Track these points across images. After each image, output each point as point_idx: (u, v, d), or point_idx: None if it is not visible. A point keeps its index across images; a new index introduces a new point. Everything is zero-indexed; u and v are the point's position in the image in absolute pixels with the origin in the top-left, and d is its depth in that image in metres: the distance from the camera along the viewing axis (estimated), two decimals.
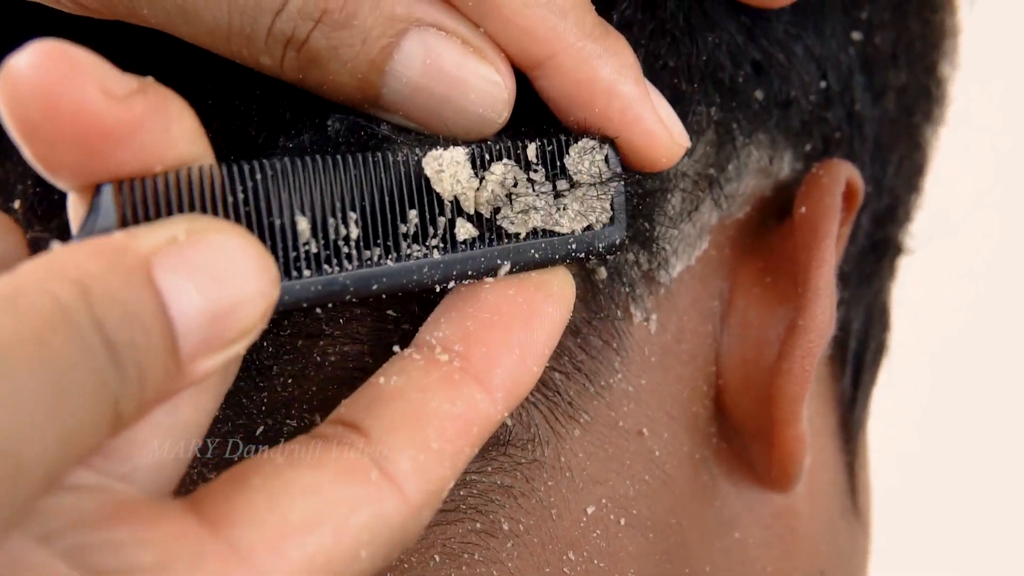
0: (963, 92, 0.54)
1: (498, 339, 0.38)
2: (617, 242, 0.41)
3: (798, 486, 0.46)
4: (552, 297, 0.39)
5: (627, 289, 0.43)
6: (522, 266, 0.39)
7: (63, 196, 0.43)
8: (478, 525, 0.42)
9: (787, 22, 0.45)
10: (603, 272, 0.43)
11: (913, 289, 0.56)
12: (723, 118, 0.44)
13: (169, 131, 0.34)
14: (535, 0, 0.38)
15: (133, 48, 0.42)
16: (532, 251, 0.40)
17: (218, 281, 0.34)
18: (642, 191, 0.43)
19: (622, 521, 0.43)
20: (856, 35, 0.48)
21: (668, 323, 0.44)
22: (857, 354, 0.51)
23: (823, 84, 0.47)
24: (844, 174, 0.46)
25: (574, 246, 0.40)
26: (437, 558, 0.41)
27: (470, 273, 0.39)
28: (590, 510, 0.43)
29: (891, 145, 0.51)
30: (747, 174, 0.45)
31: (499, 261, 0.39)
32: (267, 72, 0.39)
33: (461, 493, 0.42)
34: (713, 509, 0.46)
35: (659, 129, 0.40)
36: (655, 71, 0.43)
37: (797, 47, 0.46)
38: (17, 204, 0.44)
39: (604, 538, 0.43)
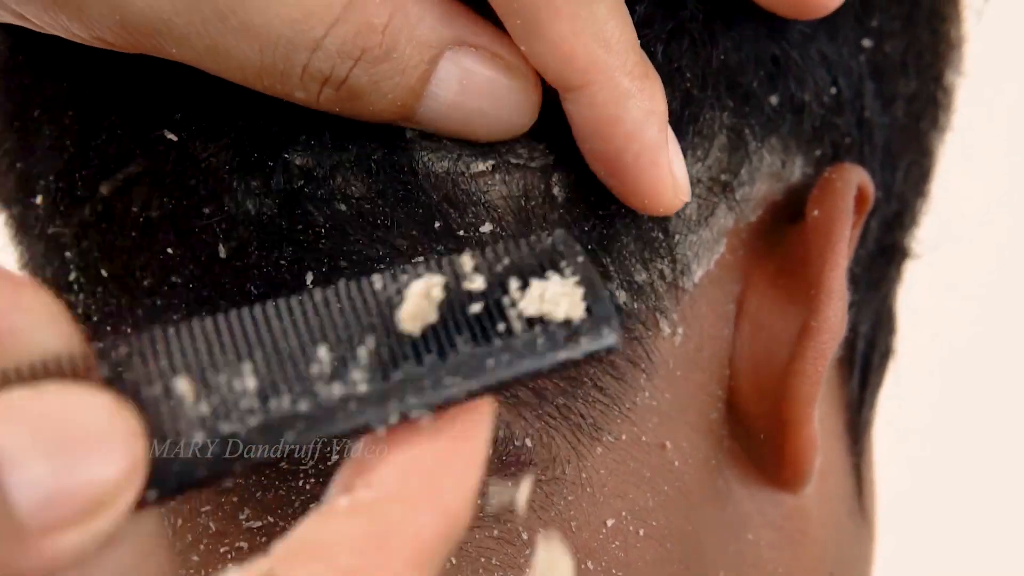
0: (969, 99, 0.55)
1: None
2: (607, 344, 0.34)
3: (808, 487, 0.47)
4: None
5: (653, 303, 0.43)
6: (476, 390, 0.33)
7: (86, 192, 0.43)
8: (496, 532, 0.42)
9: (801, 27, 0.46)
10: (617, 290, 0.43)
11: (920, 293, 0.57)
12: (736, 123, 0.45)
13: (32, 329, 0.30)
14: (583, 28, 0.39)
15: (156, 77, 0.42)
16: (484, 371, 0.33)
17: (60, 436, 0.29)
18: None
19: (641, 532, 0.44)
20: (867, 43, 0.48)
21: (691, 332, 0.45)
22: (865, 356, 0.52)
23: (834, 90, 0.47)
24: (856, 179, 0.46)
25: (545, 358, 0.33)
26: (454, 560, 0.42)
27: (412, 403, 0.33)
28: (610, 522, 0.43)
29: (900, 151, 0.51)
30: (760, 178, 0.46)
31: (444, 386, 0.33)
32: (299, 103, 0.39)
33: (478, 502, 0.42)
34: (726, 513, 0.46)
35: (667, 181, 0.41)
36: (670, 74, 0.43)
37: (811, 52, 0.46)
38: (39, 199, 0.44)
39: (623, 549, 0.43)
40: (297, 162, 0.41)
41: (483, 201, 0.41)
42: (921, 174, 0.53)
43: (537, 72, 0.40)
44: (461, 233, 0.41)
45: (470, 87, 0.39)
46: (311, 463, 0.42)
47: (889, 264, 0.53)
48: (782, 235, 0.47)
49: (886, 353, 0.54)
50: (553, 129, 0.42)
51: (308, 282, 0.41)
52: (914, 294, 0.55)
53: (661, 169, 0.40)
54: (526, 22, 0.39)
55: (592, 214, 0.43)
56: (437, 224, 0.41)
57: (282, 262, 0.42)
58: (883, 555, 0.56)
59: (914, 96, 0.52)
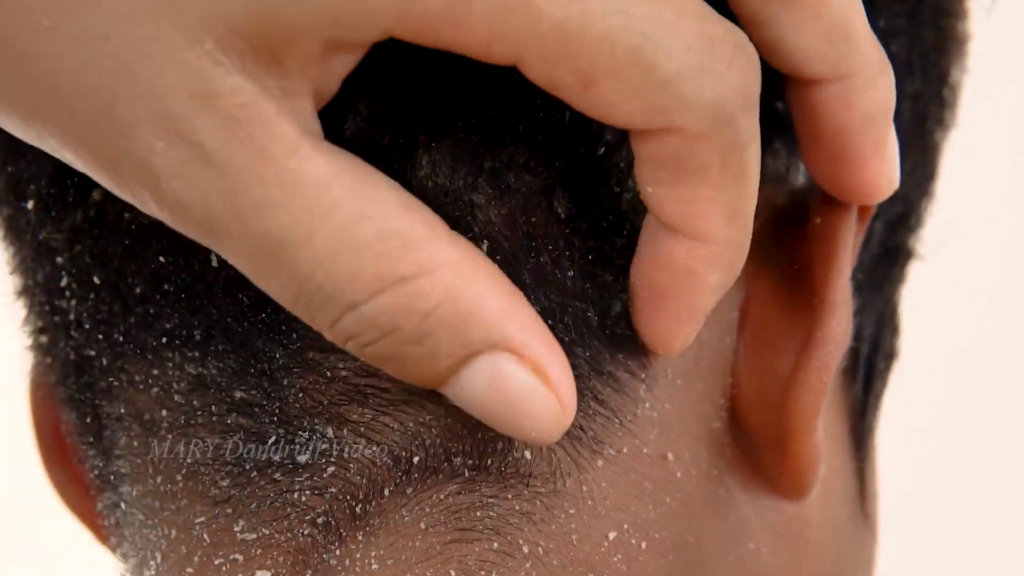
0: (974, 97, 0.54)
1: None
2: None
3: (811, 495, 0.46)
4: None
5: None
6: None
7: (77, 197, 0.43)
8: (496, 545, 0.42)
9: None
10: (619, 305, 0.42)
11: (923, 293, 0.56)
12: None
13: None
14: (859, 15, 0.38)
15: None
16: None
17: None
18: None
19: (643, 545, 0.43)
20: None
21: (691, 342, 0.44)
22: (868, 360, 0.51)
23: None
24: None
25: None
26: (453, 573, 0.41)
27: None
28: (611, 535, 0.43)
29: (905, 152, 0.50)
30: (763, 183, 0.45)
31: None
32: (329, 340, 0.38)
33: (478, 514, 0.41)
34: (728, 522, 0.45)
35: (887, 170, 0.41)
36: None
37: None
38: (31, 204, 0.44)
39: (625, 562, 0.43)
40: None
41: (480, 218, 0.41)
42: (926, 174, 0.53)
43: (574, 392, 0.38)
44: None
45: (498, 391, 0.38)
46: (306, 475, 0.41)
47: (893, 266, 0.52)
48: (785, 242, 0.46)
49: (890, 355, 0.53)
50: (554, 143, 0.41)
51: None
52: (917, 294, 0.55)
53: (885, 159, 0.41)
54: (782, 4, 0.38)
55: (594, 229, 0.42)
56: None
57: None
58: (888, 556, 0.55)
59: (919, 95, 0.51)
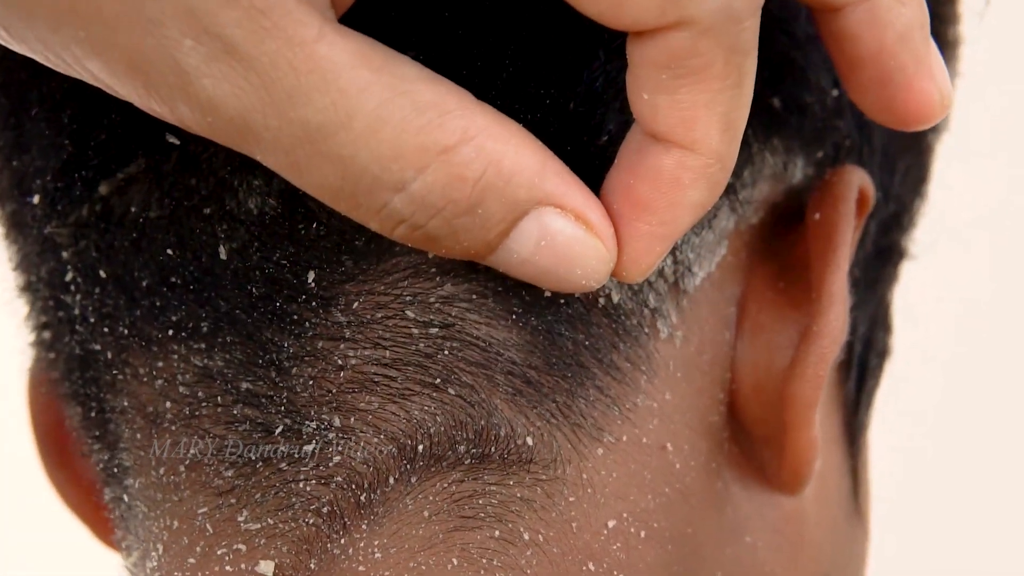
0: (965, 100, 0.55)
1: None
2: None
3: (807, 490, 0.47)
4: None
5: (653, 305, 0.43)
6: None
7: (83, 191, 0.43)
8: (497, 533, 0.42)
9: (804, 28, 0.46)
10: (617, 292, 0.43)
11: (915, 293, 0.57)
12: None
13: None
14: None
15: None
16: None
17: None
18: None
19: (642, 534, 0.43)
20: None
21: (691, 335, 0.44)
22: (862, 358, 0.52)
23: (836, 92, 0.47)
24: (857, 181, 0.46)
25: None
26: (455, 561, 0.42)
27: None
28: (611, 524, 0.43)
29: (899, 153, 0.51)
30: (762, 179, 0.46)
31: None
32: (372, 229, 0.38)
33: (480, 502, 0.42)
34: (726, 515, 0.46)
35: (936, 88, 0.40)
36: None
37: (813, 54, 0.46)
38: (36, 199, 0.44)
39: (624, 550, 0.43)
40: None
41: None
42: (919, 176, 0.53)
43: (614, 235, 0.39)
44: None
45: (547, 248, 0.38)
46: (312, 464, 0.42)
47: (886, 265, 0.53)
48: (783, 238, 0.47)
49: (883, 354, 0.54)
50: (557, 134, 0.41)
51: (310, 280, 0.41)
52: (909, 294, 0.55)
53: (932, 76, 0.40)
54: None
55: None
56: None
57: (284, 262, 0.41)
58: (881, 554, 0.56)
59: None
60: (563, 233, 0.38)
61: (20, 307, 0.48)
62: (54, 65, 0.37)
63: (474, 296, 0.42)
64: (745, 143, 0.45)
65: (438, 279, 0.41)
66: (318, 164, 0.37)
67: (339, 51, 0.36)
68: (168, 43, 0.36)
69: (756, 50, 0.38)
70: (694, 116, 0.38)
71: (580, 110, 0.41)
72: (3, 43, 0.37)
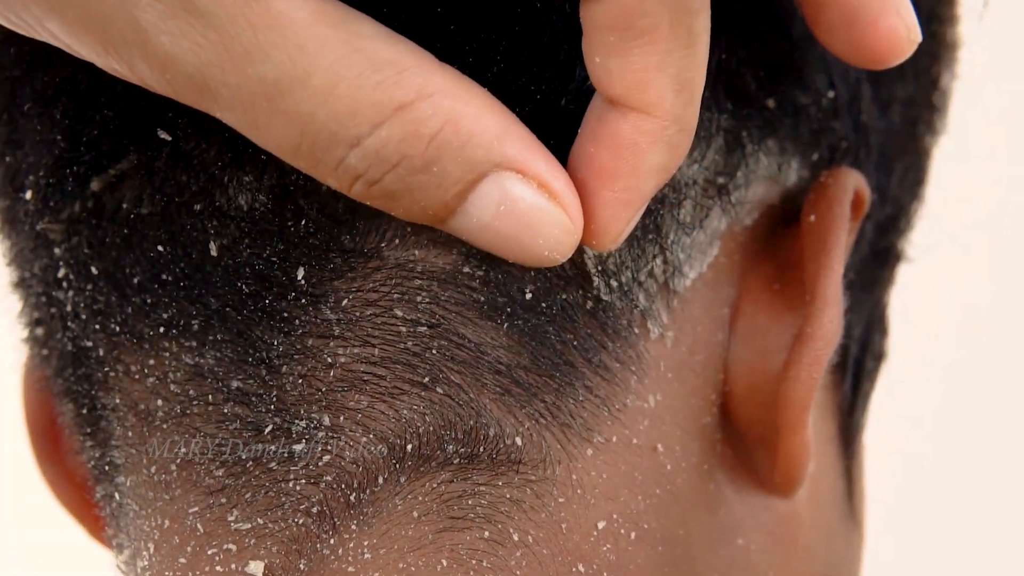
0: (963, 102, 0.55)
1: None
2: None
3: (800, 492, 0.46)
4: None
5: (642, 305, 0.43)
6: None
7: (75, 188, 0.43)
8: (486, 534, 0.42)
9: (800, 29, 0.46)
10: (605, 292, 0.43)
11: (910, 295, 0.57)
12: (733, 125, 0.45)
13: None
14: None
15: None
16: None
17: None
18: (652, 202, 0.43)
19: (632, 535, 0.43)
20: None
21: (683, 335, 0.44)
22: (857, 360, 0.52)
23: (832, 94, 0.47)
24: (852, 183, 0.46)
25: None
26: (445, 562, 0.42)
27: None
28: (601, 525, 0.43)
29: (895, 155, 0.51)
30: (756, 181, 0.46)
31: None
32: (334, 188, 0.38)
33: (470, 503, 0.42)
34: (718, 517, 0.46)
35: (902, 24, 0.40)
36: None
37: (809, 55, 0.46)
38: (29, 195, 0.44)
39: (614, 552, 0.43)
40: None
41: None
42: (916, 178, 0.53)
43: (580, 207, 0.39)
44: None
45: (507, 213, 0.38)
46: (301, 463, 0.42)
47: (883, 267, 0.53)
48: (777, 239, 0.47)
49: (879, 356, 0.54)
50: (551, 129, 0.41)
51: (299, 277, 0.41)
52: (906, 297, 0.55)
53: (899, 12, 0.40)
54: None
55: None
56: None
57: (273, 259, 0.41)
58: (876, 557, 0.56)
59: (910, 100, 0.51)
60: (523, 200, 0.38)
61: (14, 303, 0.48)
62: (15, 27, 0.38)
63: (462, 295, 0.42)
64: (739, 144, 0.45)
65: (426, 278, 0.41)
66: (276, 121, 0.37)
67: (297, 8, 0.36)
68: (126, 0, 0.36)
69: (708, 11, 0.38)
70: (646, 79, 0.38)
71: (571, 107, 0.41)
72: None
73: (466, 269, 0.42)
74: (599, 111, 0.39)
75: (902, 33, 0.40)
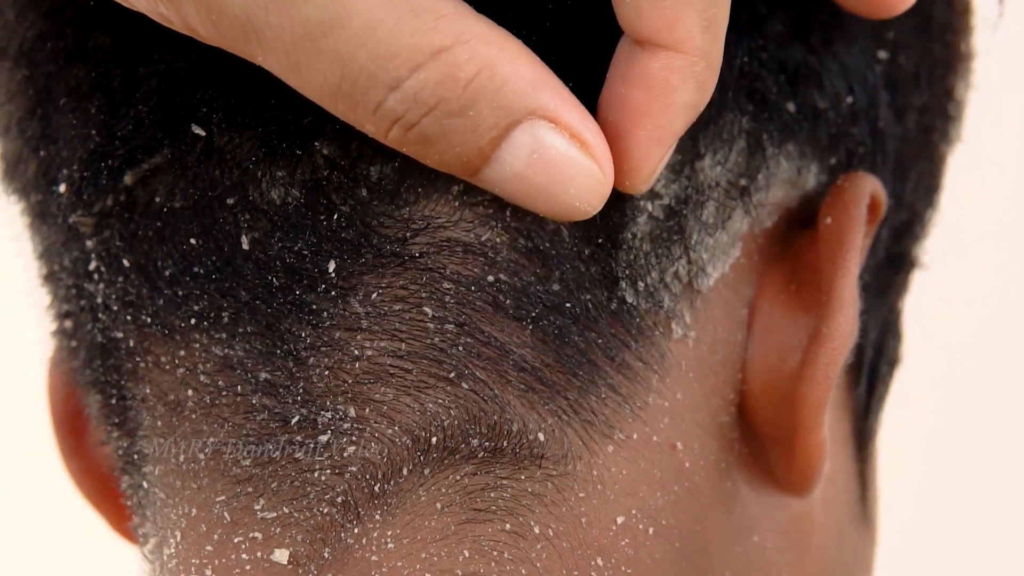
0: (977, 112, 0.56)
1: None
2: None
3: (815, 492, 0.47)
4: None
5: (667, 305, 0.44)
6: None
7: (109, 181, 0.44)
8: (508, 526, 0.43)
9: (821, 35, 0.46)
10: (631, 295, 0.44)
11: (924, 301, 0.57)
12: (754, 128, 0.45)
13: None
14: None
15: (185, 65, 0.43)
16: None
17: None
18: (676, 203, 0.44)
19: (650, 531, 0.44)
20: (882, 54, 0.49)
21: (704, 335, 0.45)
22: (872, 364, 0.52)
23: (850, 99, 0.48)
24: (868, 187, 0.47)
25: None
26: (467, 553, 0.42)
27: None
28: (620, 520, 0.44)
29: (911, 162, 0.52)
30: (776, 184, 0.46)
31: None
32: (367, 134, 0.39)
33: (492, 495, 0.42)
34: (734, 515, 0.46)
35: None
36: None
37: (829, 60, 0.47)
38: (62, 188, 0.45)
39: (632, 546, 0.44)
40: (324, 151, 0.42)
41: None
42: (931, 185, 0.54)
43: (611, 159, 0.40)
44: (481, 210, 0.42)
45: (540, 162, 0.39)
46: (327, 454, 0.42)
47: (898, 273, 0.53)
48: (795, 242, 0.47)
49: (893, 361, 0.54)
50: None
51: (330, 271, 0.42)
52: (918, 302, 0.56)
53: None
54: None
55: (606, 213, 0.43)
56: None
57: (305, 252, 0.42)
58: (887, 560, 0.56)
59: (925, 108, 0.52)
60: (556, 148, 0.39)
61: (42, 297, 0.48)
62: None
63: (489, 299, 0.42)
64: (760, 147, 0.45)
65: (455, 282, 0.42)
66: (317, 62, 0.38)
67: None
68: None
69: None
70: (676, 16, 0.39)
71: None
72: None
73: (490, 278, 0.42)
74: (627, 54, 0.40)
75: None
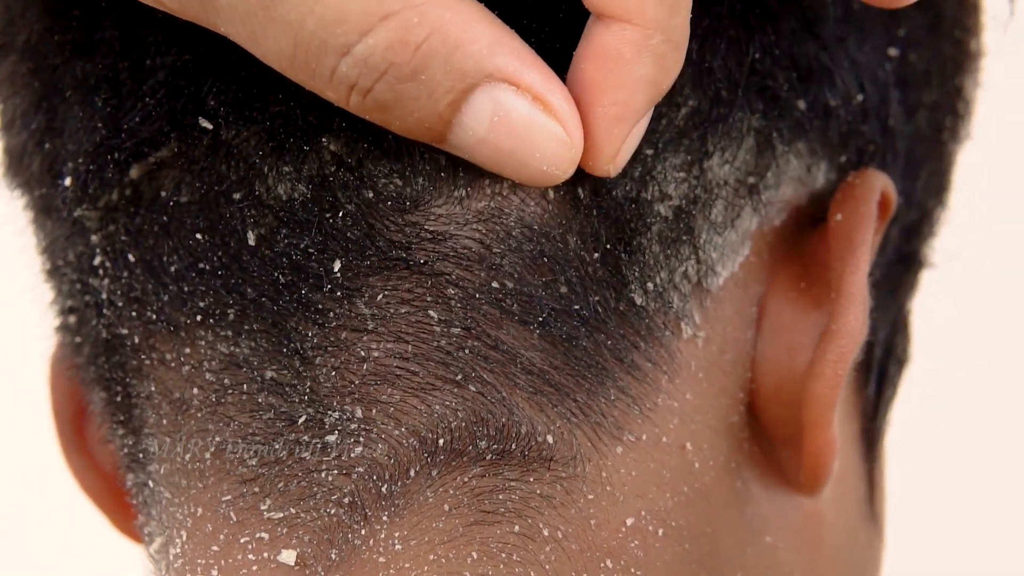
0: (986, 110, 0.55)
1: None
2: None
3: (825, 492, 0.47)
4: None
5: (676, 306, 0.44)
6: None
7: (115, 175, 0.44)
8: (516, 528, 0.42)
9: (832, 32, 0.46)
10: (640, 296, 0.43)
11: (932, 300, 0.57)
12: (764, 126, 0.45)
13: None
14: None
15: (192, 59, 0.42)
16: None
17: None
18: (685, 203, 0.44)
19: (660, 532, 0.44)
20: (893, 52, 0.49)
21: (714, 335, 0.45)
22: (881, 364, 0.52)
23: (861, 97, 0.47)
24: (879, 184, 0.47)
25: None
26: (475, 555, 0.42)
27: None
28: (629, 521, 0.43)
29: (921, 160, 0.52)
30: (785, 182, 0.46)
31: None
32: (332, 102, 0.39)
33: (500, 497, 0.42)
34: (745, 516, 0.46)
35: None
36: (701, 74, 0.44)
37: (840, 58, 0.46)
38: (68, 181, 0.44)
39: (642, 548, 0.43)
40: (331, 148, 0.41)
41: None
42: (940, 183, 0.54)
43: (579, 122, 0.39)
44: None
45: (503, 125, 0.39)
46: (334, 454, 0.42)
47: (907, 272, 0.53)
48: (804, 239, 0.47)
49: (901, 361, 0.54)
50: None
51: (335, 270, 0.42)
52: (927, 301, 0.56)
53: None
54: None
55: (613, 215, 0.43)
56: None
57: (311, 250, 0.42)
58: (894, 560, 0.56)
59: (935, 106, 0.52)
60: (517, 111, 0.38)
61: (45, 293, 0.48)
62: None
63: (495, 302, 0.42)
64: (769, 145, 0.45)
65: (460, 288, 0.42)
66: (271, 31, 0.38)
67: None
68: None
69: None
70: None
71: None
72: None
73: (495, 284, 0.42)
74: (588, 30, 0.40)
75: None
